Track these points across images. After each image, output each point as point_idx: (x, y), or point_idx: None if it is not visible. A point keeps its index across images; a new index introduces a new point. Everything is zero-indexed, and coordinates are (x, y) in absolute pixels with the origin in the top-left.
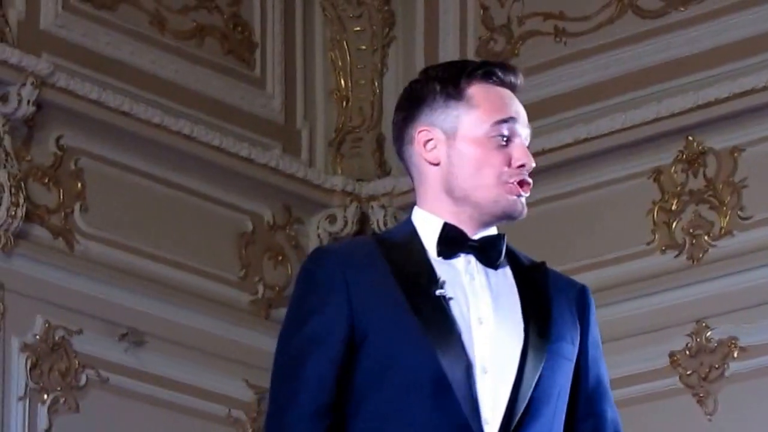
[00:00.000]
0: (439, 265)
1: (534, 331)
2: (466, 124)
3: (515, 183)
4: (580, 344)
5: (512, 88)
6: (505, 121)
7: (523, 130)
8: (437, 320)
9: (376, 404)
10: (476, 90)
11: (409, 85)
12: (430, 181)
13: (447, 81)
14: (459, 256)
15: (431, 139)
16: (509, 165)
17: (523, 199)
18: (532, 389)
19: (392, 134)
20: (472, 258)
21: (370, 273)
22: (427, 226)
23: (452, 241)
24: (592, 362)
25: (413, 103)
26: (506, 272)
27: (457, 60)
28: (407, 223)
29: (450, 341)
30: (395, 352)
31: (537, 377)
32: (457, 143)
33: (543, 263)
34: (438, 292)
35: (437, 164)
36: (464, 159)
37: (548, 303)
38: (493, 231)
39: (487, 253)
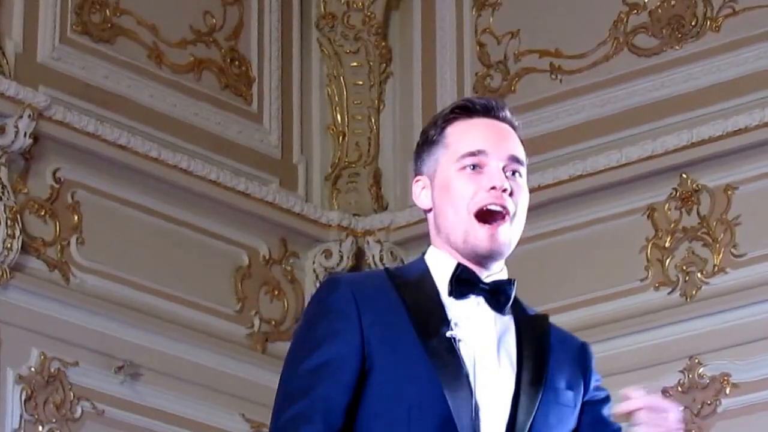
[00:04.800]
0: (450, 305)
1: (526, 379)
2: (441, 165)
3: (481, 210)
4: (586, 391)
5: (497, 116)
6: (471, 153)
7: (497, 162)
8: (448, 362)
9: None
10: (453, 129)
11: None
12: (429, 225)
13: (430, 127)
14: (469, 297)
15: (424, 187)
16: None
17: (500, 231)
18: None
19: None
20: (481, 300)
21: (382, 305)
22: (440, 265)
23: (464, 282)
24: (605, 410)
25: (415, 155)
26: (510, 318)
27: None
28: (420, 261)
29: (459, 383)
30: (406, 389)
31: (530, 423)
32: (435, 185)
33: (546, 315)
34: (448, 333)
35: (429, 210)
36: (441, 200)
37: (544, 352)
38: (504, 274)
39: (497, 296)
